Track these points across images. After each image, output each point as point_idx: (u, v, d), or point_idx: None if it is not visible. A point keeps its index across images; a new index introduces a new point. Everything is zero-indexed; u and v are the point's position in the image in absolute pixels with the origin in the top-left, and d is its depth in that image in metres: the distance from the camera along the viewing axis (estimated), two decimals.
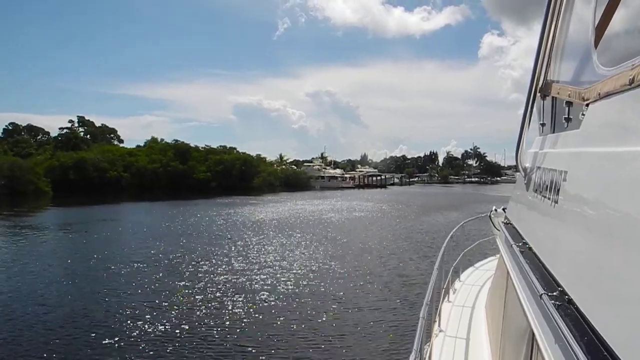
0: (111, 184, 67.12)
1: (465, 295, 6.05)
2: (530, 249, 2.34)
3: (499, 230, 3.93)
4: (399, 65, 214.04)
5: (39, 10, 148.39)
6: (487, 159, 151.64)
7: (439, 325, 4.90)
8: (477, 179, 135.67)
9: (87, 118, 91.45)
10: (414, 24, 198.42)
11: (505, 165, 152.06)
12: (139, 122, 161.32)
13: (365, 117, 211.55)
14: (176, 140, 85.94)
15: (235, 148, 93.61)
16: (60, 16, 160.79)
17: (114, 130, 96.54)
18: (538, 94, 3.00)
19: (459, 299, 5.90)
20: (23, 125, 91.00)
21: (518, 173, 3.25)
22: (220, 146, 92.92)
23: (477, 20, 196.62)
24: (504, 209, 4.37)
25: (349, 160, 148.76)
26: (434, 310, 4.76)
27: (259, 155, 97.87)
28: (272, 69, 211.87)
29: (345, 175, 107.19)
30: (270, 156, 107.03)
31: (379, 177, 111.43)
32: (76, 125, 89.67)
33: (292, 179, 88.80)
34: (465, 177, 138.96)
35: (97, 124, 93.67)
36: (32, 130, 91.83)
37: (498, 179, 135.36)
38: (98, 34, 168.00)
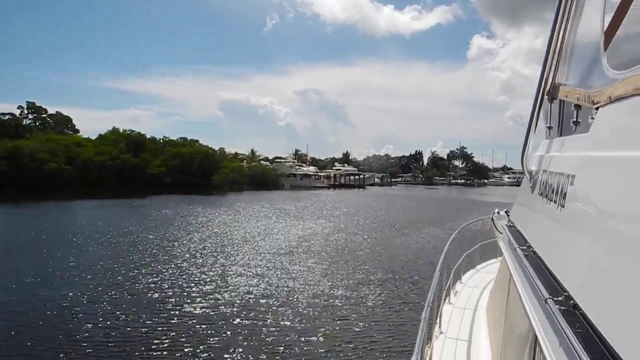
0: (53, 178, 64.64)
1: (467, 297, 6.50)
2: (534, 252, 2.49)
3: (501, 233, 4.28)
4: (388, 65, 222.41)
5: (25, 3, 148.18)
6: (475, 159, 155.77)
7: (440, 327, 5.29)
8: (463, 181, 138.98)
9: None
10: (405, 23, 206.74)
11: (492, 167, 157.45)
12: (125, 116, 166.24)
13: (353, 117, 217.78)
14: (131, 131, 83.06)
15: (197, 141, 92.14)
16: (47, 10, 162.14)
17: (68, 119, 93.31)
18: (545, 97, 3.28)
19: (460, 301, 6.35)
20: None
21: (523, 176, 3.57)
22: (180, 138, 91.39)
23: (468, 21, 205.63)
24: (506, 212, 4.76)
25: (333, 158, 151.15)
26: (435, 311, 5.12)
27: (222, 149, 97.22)
28: (260, 65, 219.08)
29: (320, 174, 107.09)
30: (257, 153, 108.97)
31: (357, 177, 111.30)
32: (25, 112, 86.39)
33: (260, 176, 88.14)
34: (451, 178, 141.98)
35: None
36: None
37: (485, 181, 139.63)
38: (85, 27, 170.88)
